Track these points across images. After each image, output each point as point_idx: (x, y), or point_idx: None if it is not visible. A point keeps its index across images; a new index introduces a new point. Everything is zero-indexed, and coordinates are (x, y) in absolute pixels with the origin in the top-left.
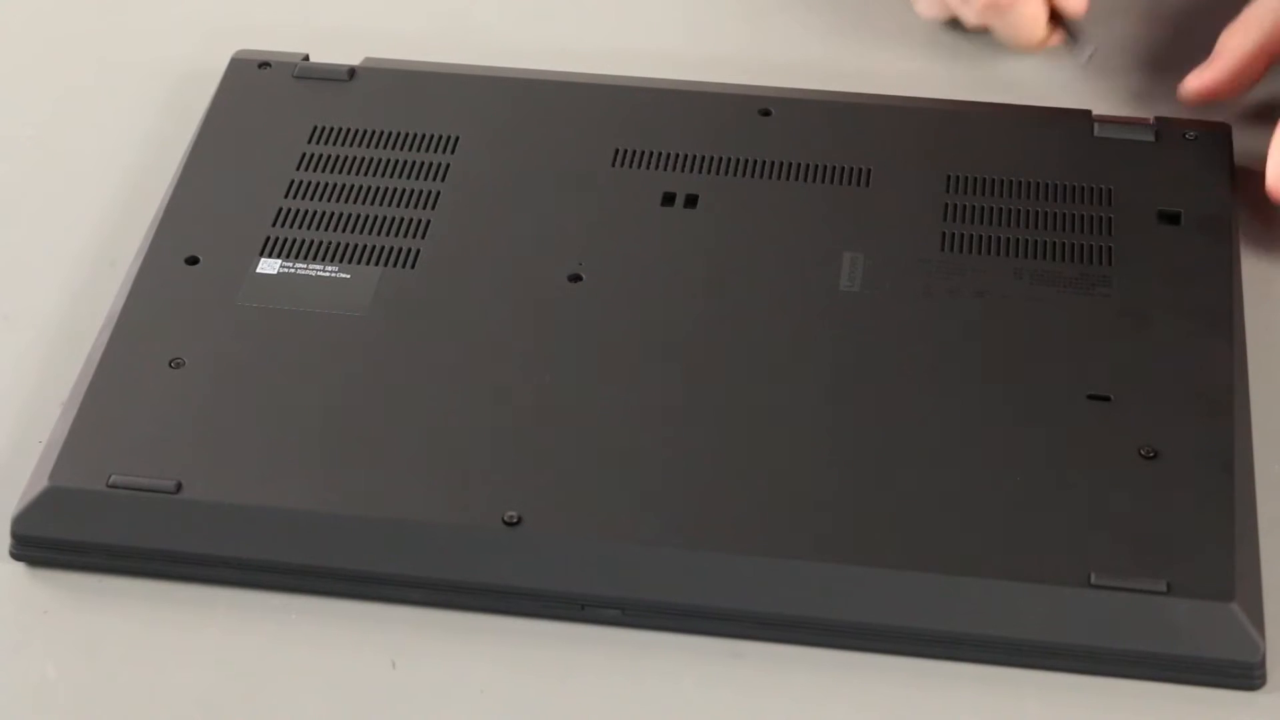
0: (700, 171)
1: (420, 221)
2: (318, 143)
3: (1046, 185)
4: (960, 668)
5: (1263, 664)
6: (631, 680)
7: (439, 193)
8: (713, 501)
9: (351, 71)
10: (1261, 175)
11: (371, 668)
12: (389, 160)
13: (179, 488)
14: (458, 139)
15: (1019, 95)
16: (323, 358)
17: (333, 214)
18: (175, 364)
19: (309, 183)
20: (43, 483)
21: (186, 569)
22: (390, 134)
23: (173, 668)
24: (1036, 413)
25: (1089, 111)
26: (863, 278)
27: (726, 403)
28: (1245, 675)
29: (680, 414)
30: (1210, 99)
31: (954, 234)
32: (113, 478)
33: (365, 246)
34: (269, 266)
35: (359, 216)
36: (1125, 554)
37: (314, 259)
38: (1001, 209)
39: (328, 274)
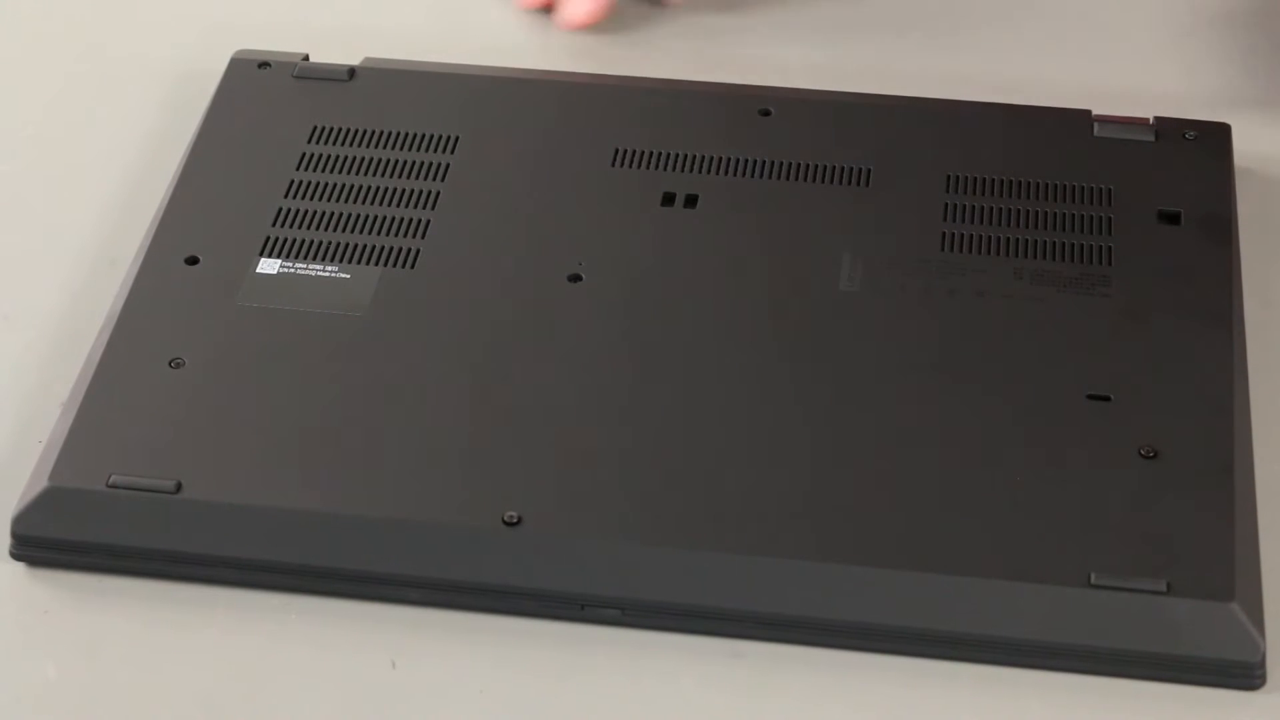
0: (700, 171)
1: (420, 221)
2: (317, 143)
3: (1046, 185)
4: (960, 668)
5: (1263, 664)
6: (631, 680)
7: (439, 193)
8: (712, 501)
9: (351, 71)
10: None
11: (371, 668)
12: (389, 160)
13: (179, 488)
14: (458, 139)
15: (1019, 95)
16: (323, 358)
17: (333, 214)
18: (175, 364)
19: (309, 183)
20: (43, 483)
21: (186, 569)
22: (390, 134)
23: (173, 668)
24: (1036, 413)
25: (1089, 111)
26: (863, 278)
27: (726, 403)
28: (1245, 675)
29: (680, 414)
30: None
31: (954, 234)
32: (113, 478)
33: (365, 246)
34: (269, 266)
35: (359, 216)
36: (1125, 554)
37: (314, 259)
38: (1001, 209)
39: (328, 274)
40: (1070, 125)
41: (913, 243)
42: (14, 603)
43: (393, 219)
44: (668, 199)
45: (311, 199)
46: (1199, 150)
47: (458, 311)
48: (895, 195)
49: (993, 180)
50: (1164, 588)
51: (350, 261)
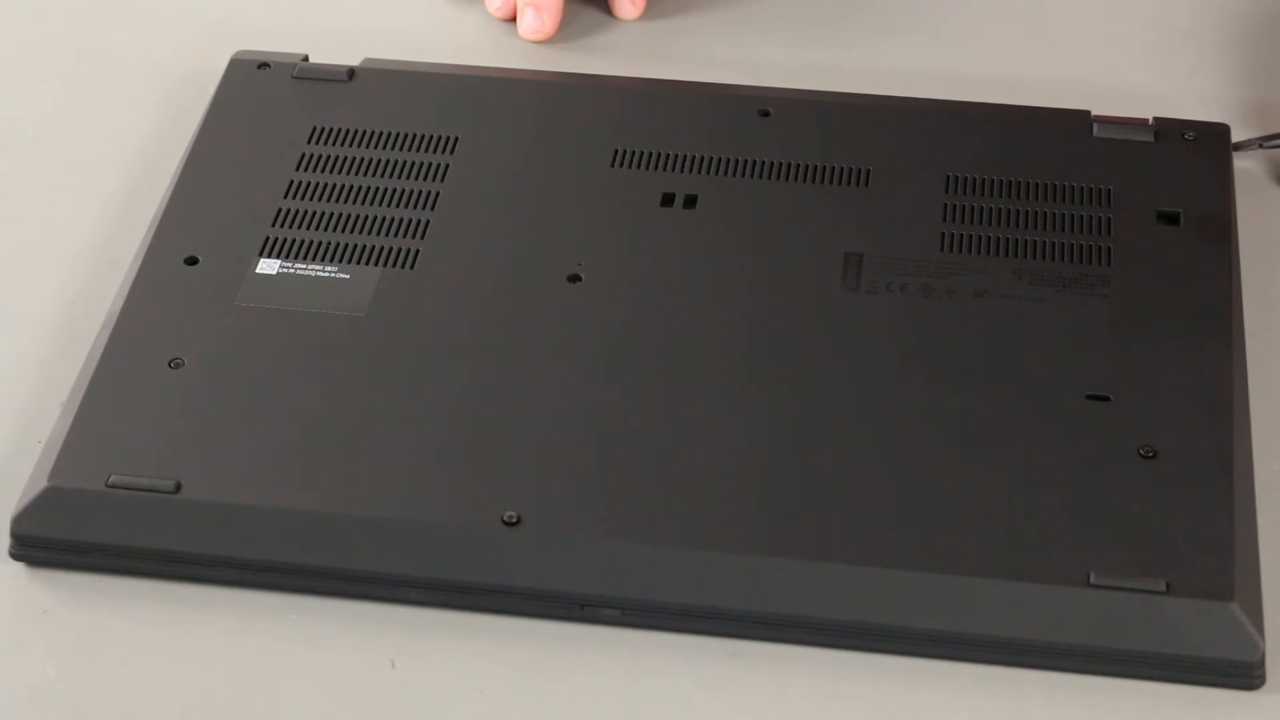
0: (700, 172)
1: (420, 222)
2: (317, 143)
3: (1045, 185)
4: (960, 668)
5: (1262, 663)
6: (631, 680)
7: (439, 193)
8: (712, 501)
9: (351, 72)
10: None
11: (371, 668)
12: (388, 160)
13: (178, 488)
14: (457, 139)
15: (1019, 95)
16: (322, 358)
17: (332, 214)
18: (175, 364)
19: (309, 183)
20: (42, 483)
21: (186, 569)
22: (390, 134)
23: (173, 668)
24: (1036, 413)
25: (1088, 112)
26: (862, 278)
27: (725, 403)
28: (1245, 675)
29: (679, 414)
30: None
31: (953, 234)
32: (112, 478)
33: (365, 247)
34: (268, 267)
35: (359, 217)
36: (1125, 554)
37: (314, 259)
38: (1001, 209)
39: (327, 274)
40: (1069, 125)
41: (912, 243)
42: (14, 603)
43: (392, 219)
44: (667, 199)
45: (311, 199)
46: (1198, 150)
47: (457, 311)
48: (895, 195)
49: (992, 180)
50: (1163, 587)
51: (350, 262)
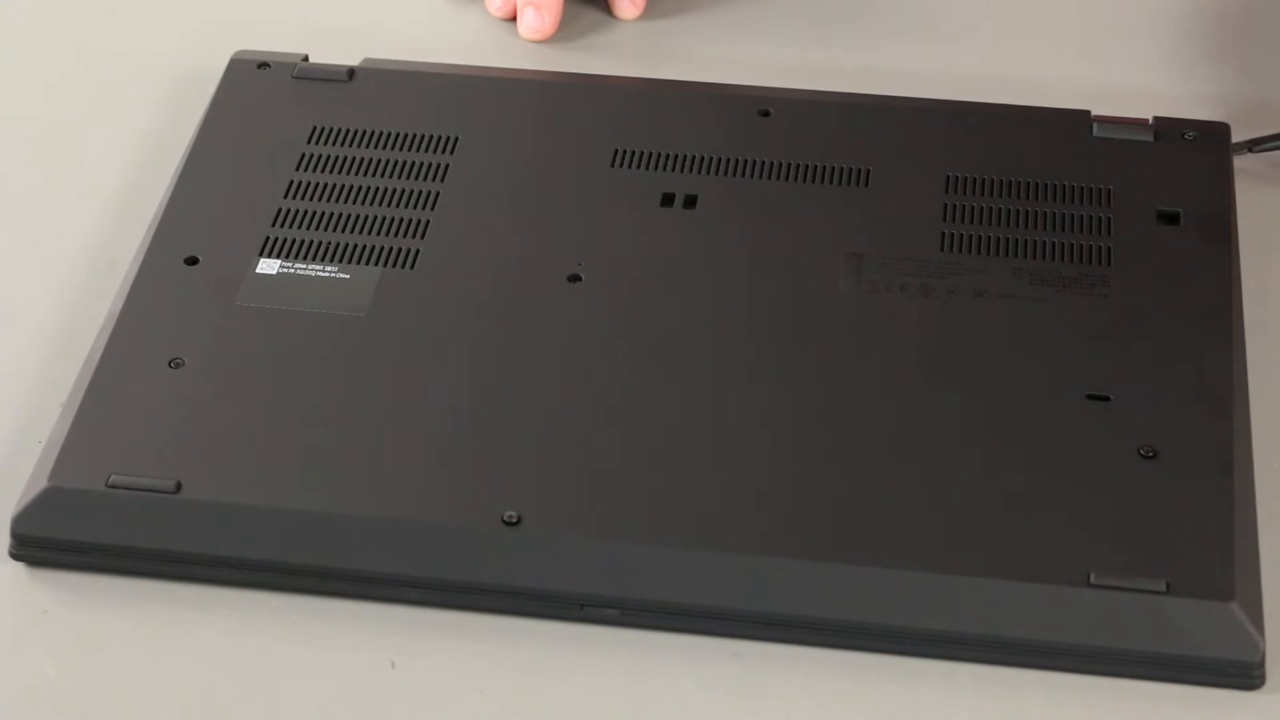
0: (700, 172)
1: (420, 221)
2: (317, 143)
3: (1045, 185)
4: (960, 668)
5: (1262, 663)
6: (630, 680)
7: (439, 193)
8: (712, 501)
9: (351, 72)
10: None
11: (371, 668)
12: (388, 160)
13: (179, 488)
14: (457, 139)
15: (1018, 95)
16: (322, 358)
17: (332, 214)
18: (175, 364)
19: (308, 183)
20: (42, 483)
21: (186, 569)
22: (389, 134)
23: (173, 668)
24: (1036, 412)
25: (1088, 112)
26: (862, 278)
27: (725, 403)
28: (1245, 675)
29: (679, 414)
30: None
31: (953, 234)
32: (112, 478)
33: (365, 247)
34: (268, 267)
35: (359, 217)
36: (1125, 554)
37: (314, 259)
38: (1000, 209)
39: (327, 274)
40: (1069, 125)
41: (912, 243)
42: (14, 603)
43: (392, 219)
44: (667, 199)
45: (311, 199)
46: (1198, 150)
47: (457, 311)
48: (895, 196)
49: (992, 180)
50: (1163, 587)
51: (350, 262)
